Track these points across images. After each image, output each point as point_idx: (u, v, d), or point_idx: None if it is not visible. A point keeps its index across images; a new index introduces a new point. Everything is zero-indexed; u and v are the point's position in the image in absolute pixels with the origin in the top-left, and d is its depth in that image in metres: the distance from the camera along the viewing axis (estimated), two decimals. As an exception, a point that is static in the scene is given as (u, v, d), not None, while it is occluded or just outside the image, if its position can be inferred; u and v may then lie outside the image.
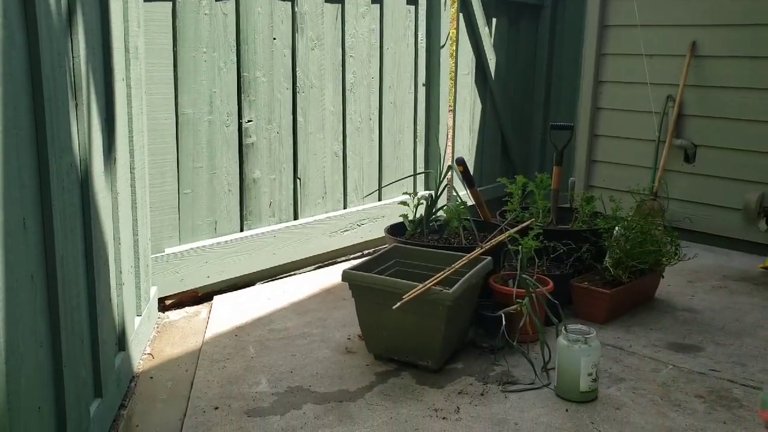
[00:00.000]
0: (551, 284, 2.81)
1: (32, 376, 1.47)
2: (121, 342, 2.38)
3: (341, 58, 3.82)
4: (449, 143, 4.69)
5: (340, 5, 3.76)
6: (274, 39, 3.44)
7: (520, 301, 2.55)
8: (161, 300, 3.12)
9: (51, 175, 1.57)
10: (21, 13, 1.45)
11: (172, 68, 3.03)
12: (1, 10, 1.33)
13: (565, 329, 2.36)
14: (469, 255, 2.70)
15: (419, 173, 4.42)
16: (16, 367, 1.37)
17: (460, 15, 4.55)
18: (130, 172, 2.55)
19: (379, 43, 4.03)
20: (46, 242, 1.58)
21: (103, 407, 2.05)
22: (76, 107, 1.85)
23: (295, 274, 3.74)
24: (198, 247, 3.21)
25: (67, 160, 1.73)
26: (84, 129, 1.89)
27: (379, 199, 4.20)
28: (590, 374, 2.30)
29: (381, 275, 2.69)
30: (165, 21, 2.98)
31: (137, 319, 2.65)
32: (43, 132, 1.54)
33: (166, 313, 3.14)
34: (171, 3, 2.99)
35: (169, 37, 3.01)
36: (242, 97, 3.35)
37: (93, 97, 2.01)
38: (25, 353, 1.44)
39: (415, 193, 3.37)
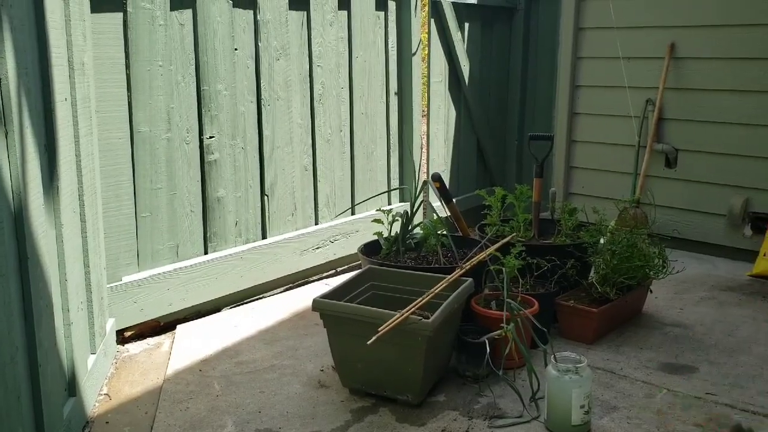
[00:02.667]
0: (537, 305, 2.65)
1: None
2: (72, 387, 2.17)
3: (308, 67, 3.64)
4: (424, 152, 4.52)
5: (305, 12, 3.57)
6: (236, 49, 3.24)
7: (505, 326, 2.39)
8: (120, 332, 2.91)
9: (-30, 218, 1.37)
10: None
11: (125, 84, 2.82)
12: None
13: (555, 358, 2.20)
14: (448, 277, 2.53)
15: (394, 189, 4.24)
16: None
17: (432, 20, 4.39)
18: (79, 200, 2.34)
19: (348, 52, 3.86)
20: (-33, 295, 1.37)
21: (49, 466, 1.84)
22: (5, 136, 1.64)
23: (264, 297, 3.54)
24: (158, 274, 3.00)
25: (-8, 198, 1.52)
26: (16, 160, 1.68)
27: (352, 214, 4.02)
28: (582, 406, 2.14)
29: (355, 302, 2.51)
30: (116, 33, 2.76)
31: (91, 358, 2.44)
32: (-42, 169, 1.34)
33: (126, 345, 2.92)
34: (122, 13, 2.78)
35: (121, 50, 2.79)
36: (203, 112, 3.14)
37: (27, 123, 1.80)
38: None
39: (389, 209, 3.19)
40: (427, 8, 4.42)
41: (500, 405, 2.35)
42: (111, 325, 2.75)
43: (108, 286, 2.77)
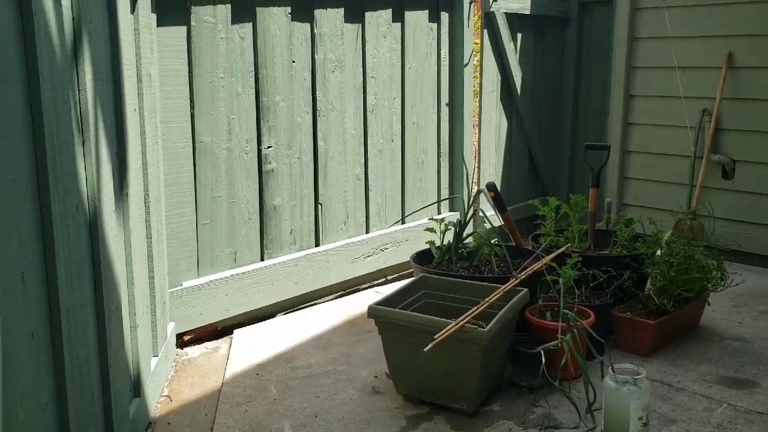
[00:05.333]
0: (593, 317, 2.63)
1: (34, 445, 1.34)
2: (137, 388, 2.24)
3: (362, 79, 3.69)
4: (475, 163, 4.53)
5: (360, 25, 3.63)
6: (293, 62, 3.31)
7: (562, 336, 2.38)
8: (179, 336, 2.99)
9: (54, 222, 1.44)
10: (19, 46, 1.32)
11: (188, 95, 2.91)
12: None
13: (612, 369, 2.18)
14: (503, 287, 2.53)
15: (445, 198, 4.26)
16: (14, 440, 1.23)
17: (484, 31, 4.40)
18: (145, 207, 2.43)
19: (400, 63, 3.90)
20: (50, 295, 1.44)
21: (117, 463, 1.91)
22: (83, 144, 1.72)
23: (317, 304, 3.59)
24: (217, 279, 3.08)
25: (72, 203, 1.60)
26: (92, 166, 1.76)
27: (403, 223, 4.05)
28: (640, 418, 2.12)
29: (409, 309, 2.54)
30: (180, 46, 2.86)
31: (154, 360, 2.52)
32: (44, 175, 1.41)
33: (185, 349, 3.00)
34: (186, 27, 2.88)
35: (185, 63, 2.89)
36: (261, 123, 3.22)
37: (102, 131, 1.89)
38: (26, 420, 1.30)
39: (440, 219, 3.20)
40: (479, 19, 4.43)
41: (556, 416, 2.34)
42: (172, 329, 2.83)
43: (169, 290, 2.85)
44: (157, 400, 2.51)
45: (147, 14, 2.51)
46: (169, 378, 2.72)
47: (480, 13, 4.41)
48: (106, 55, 2.00)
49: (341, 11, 3.50)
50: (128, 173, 2.16)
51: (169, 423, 2.38)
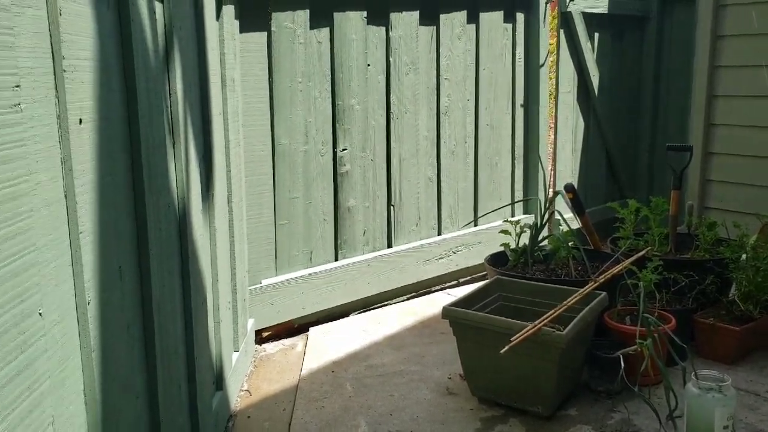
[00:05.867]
0: (673, 321, 2.56)
1: (130, 430, 1.41)
2: (219, 381, 2.32)
3: (436, 81, 3.70)
4: (550, 164, 4.47)
5: (434, 27, 3.65)
6: (369, 65, 3.36)
7: (641, 341, 2.32)
8: (258, 332, 3.08)
9: (148, 219, 1.51)
10: (118, 55, 1.40)
11: (268, 99, 3.00)
12: (99, 54, 1.28)
13: (696, 375, 2.12)
14: (581, 290, 2.50)
15: (520, 200, 4.22)
16: (114, 424, 1.30)
17: (561, 31, 4.35)
18: (228, 206, 2.52)
19: (474, 64, 3.89)
20: (143, 289, 1.52)
21: (201, 453, 1.98)
22: (173, 145, 1.80)
23: (389, 304, 3.62)
24: (294, 278, 3.15)
25: (164, 201, 1.68)
26: (182, 167, 1.84)
27: (475, 225, 4.03)
28: (726, 427, 2.05)
29: (483, 311, 2.53)
30: (260, 51, 2.95)
31: (235, 355, 2.60)
32: (140, 175, 1.49)
33: (263, 345, 3.08)
34: (266, 33, 2.96)
35: (265, 68, 2.98)
36: (337, 126, 3.28)
37: (191, 133, 1.97)
38: (121, 408, 1.37)
39: (515, 221, 3.18)
40: (556, 19, 4.38)
41: (635, 422, 2.29)
42: (251, 325, 2.91)
43: (249, 288, 2.94)
44: (238, 394, 2.59)
45: (231, 21, 2.60)
46: (248, 373, 2.80)
47: (556, 12, 4.35)
48: (194, 61, 2.09)
49: (416, 14, 3.53)
50: (214, 174, 2.25)
51: (249, 417, 2.45)
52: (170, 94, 1.79)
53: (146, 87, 1.54)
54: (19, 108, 1.00)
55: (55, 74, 1.12)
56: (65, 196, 1.15)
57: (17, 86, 1.00)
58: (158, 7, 1.69)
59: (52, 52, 1.12)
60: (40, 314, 1.05)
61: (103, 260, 1.28)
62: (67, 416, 1.14)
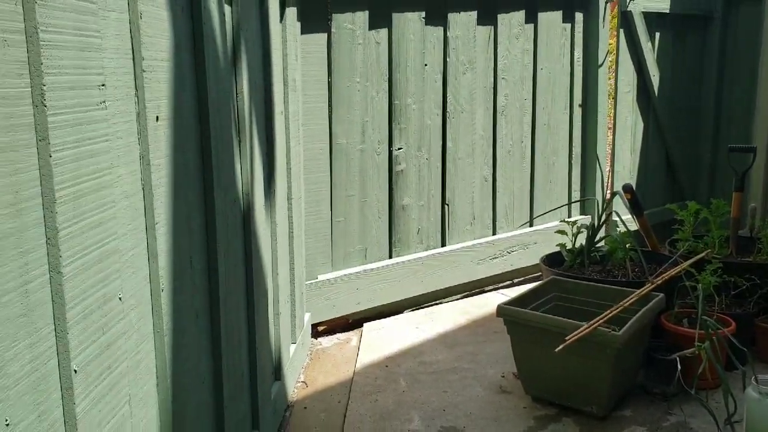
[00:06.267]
0: (733, 325, 2.51)
1: (195, 413, 1.48)
2: (277, 371, 2.40)
3: (492, 80, 3.71)
4: (608, 165, 4.42)
5: (492, 27, 3.66)
6: (425, 65, 3.39)
7: (700, 344, 2.29)
8: (314, 326, 3.15)
9: (216, 213, 1.59)
10: (191, 56, 1.48)
11: (327, 99, 3.06)
12: (174, 55, 1.36)
13: (756, 380, 2.08)
14: (638, 291, 2.48)
15: (577, 201, 4.19)
16: (182, 406, 1.38)
17: (621, 30, 4.29)
18: (288, 203, 2.59)
19: (532, 64, 3.89)
20: (210, 280, 1.59)
21: (261, 440, 2.06)
22: (239, 144, 1.88)
23: (442, 303, 3.65)
24: (349, 274, 3.21)
25: (231, 197, 1.75)
26: (246, 164, 1.92)
27: (531, 225, 4.02)
28: (787, 434, 2.01)
29: (538, 311, 2.54)
30: (320, 52, 3.02)
31: (292, 347, 2.67)
32: (209, 171, 1.56)
33: (319, 339, 3.15)
34: (326, 34, 3.03)
35: (325, 68, 3.04)
36: (393, 125, 3.32)
37: (255, 132, 2.04)
38: (190, 392, 1.45)
39: (572, 221, 3.17)
40: (616, 19, 4.32)
41: (691, 425, 2.27)
42: (308, 319, 2.99)
43: (306, 282, 3.01)
44: (294, 385, 2.67)
45: (293, 23, 2.67)
46: (305, 365, 2.87)
47: (616, 11, 4.30)
48: (259, 62, 2.16)
49: (474, 14, 3.55)
50: (275, 172, 2.32)
51: (305, 407, 2.52)
52: (237, 93, 1.87)
53: (216, 86, 1.61)
54: (104, 105, 1.07)
55: (135, 74, 1.20)
56: (143, 189, 1.22)
57: (103, 85, 1.07)
58: (227, 10, 1.77)
59: (133, 53, 1.19)
60: (119, 299, 1.12)
61: (176, 251, 1.35)
62: (141, 396, 1.21)
